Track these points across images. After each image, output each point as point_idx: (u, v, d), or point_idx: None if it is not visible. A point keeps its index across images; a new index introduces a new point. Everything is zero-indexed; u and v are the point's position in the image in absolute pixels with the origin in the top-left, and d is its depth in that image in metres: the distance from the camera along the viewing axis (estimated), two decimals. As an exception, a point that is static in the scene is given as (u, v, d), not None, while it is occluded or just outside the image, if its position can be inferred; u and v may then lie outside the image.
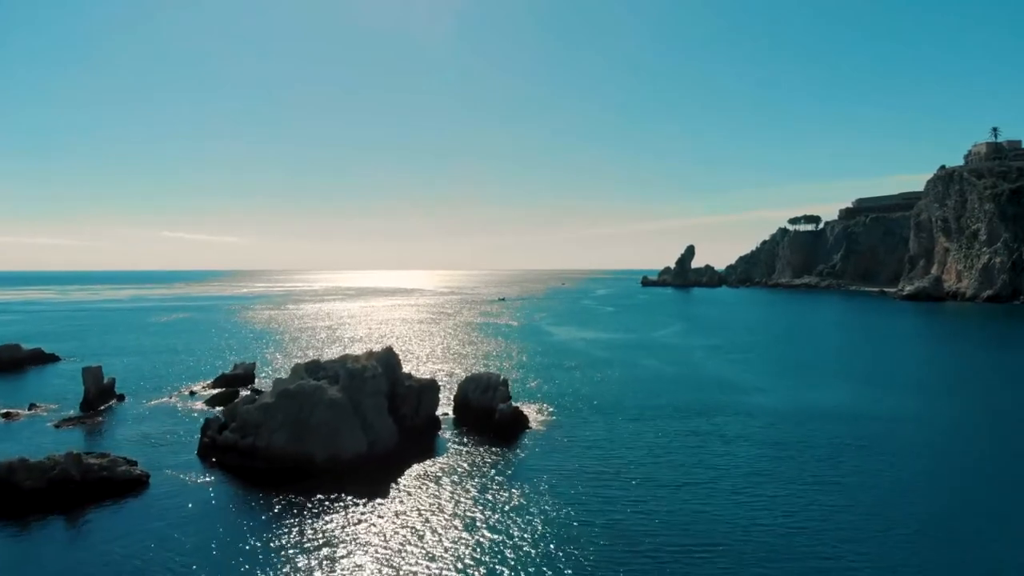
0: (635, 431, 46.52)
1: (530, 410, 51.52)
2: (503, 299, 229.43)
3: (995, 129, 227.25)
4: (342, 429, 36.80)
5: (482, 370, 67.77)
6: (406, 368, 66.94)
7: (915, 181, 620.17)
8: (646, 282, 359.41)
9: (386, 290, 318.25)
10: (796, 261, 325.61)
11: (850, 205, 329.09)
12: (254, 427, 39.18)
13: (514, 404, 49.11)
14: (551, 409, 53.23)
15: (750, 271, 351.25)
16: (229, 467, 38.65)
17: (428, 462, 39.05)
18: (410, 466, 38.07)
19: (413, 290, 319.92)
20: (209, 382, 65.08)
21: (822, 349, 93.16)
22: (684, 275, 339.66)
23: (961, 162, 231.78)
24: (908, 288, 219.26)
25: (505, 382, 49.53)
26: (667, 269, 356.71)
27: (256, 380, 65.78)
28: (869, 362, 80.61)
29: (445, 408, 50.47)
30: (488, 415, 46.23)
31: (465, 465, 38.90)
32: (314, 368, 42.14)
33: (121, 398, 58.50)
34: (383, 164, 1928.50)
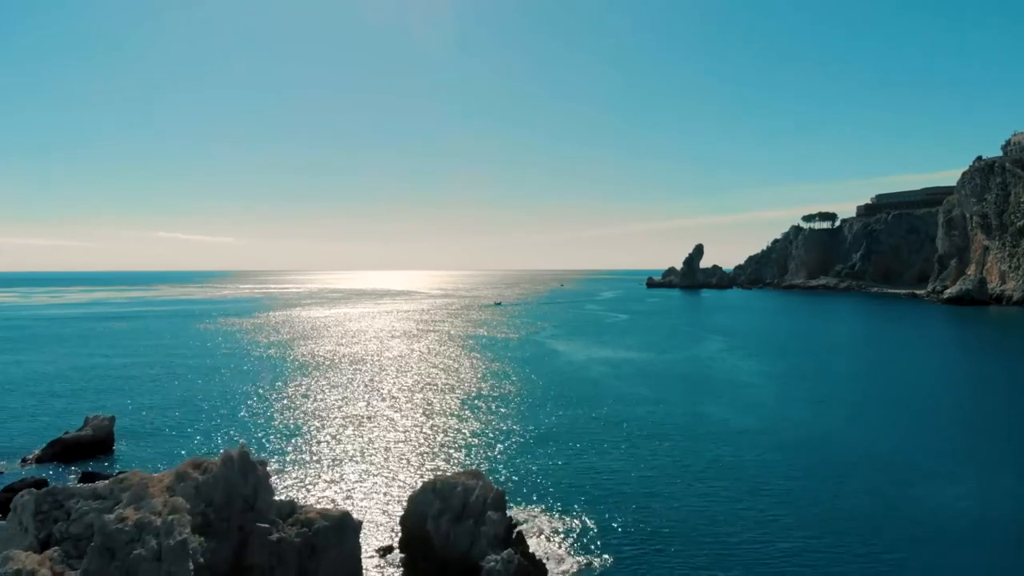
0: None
1: (543, 539, 27.86)
2: (499, 304, 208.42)
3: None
4: None
5: (457, 442, 44.29)
6: (314, 451, 38.70)
7: (921, 180, 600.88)
8: (652, 283, 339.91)
9: (375, 293, 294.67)
10: (811, 261, 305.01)
11: (869, 201, 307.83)
12: None
13: (515, 528, 26.14)
14: (581, 537, 28.87)
15: (761, 271, 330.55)
16: None
17: None
18: None
19: (405, 293, 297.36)
20: (39, 450, 41.88)
21: (945, 386, 66.94)
22: (692, 276, 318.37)
23: (999, 153, 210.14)
24: (948, 291, 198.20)
25: (500, 499, 25.18)
26: (672, 270, 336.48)
27: (116, 447, 42.83)
28: None
29: (387, 538, 27.54)
30: (466, 572, 23.11)
31: None
32: (56, 506, 18.79)
33: None
34: (383, 165, 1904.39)
